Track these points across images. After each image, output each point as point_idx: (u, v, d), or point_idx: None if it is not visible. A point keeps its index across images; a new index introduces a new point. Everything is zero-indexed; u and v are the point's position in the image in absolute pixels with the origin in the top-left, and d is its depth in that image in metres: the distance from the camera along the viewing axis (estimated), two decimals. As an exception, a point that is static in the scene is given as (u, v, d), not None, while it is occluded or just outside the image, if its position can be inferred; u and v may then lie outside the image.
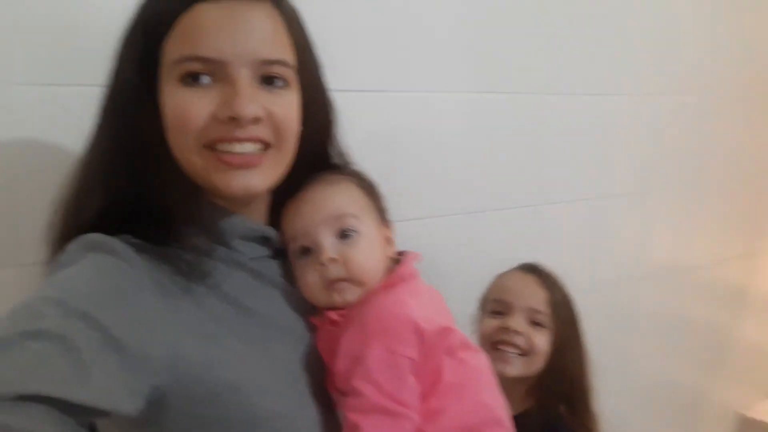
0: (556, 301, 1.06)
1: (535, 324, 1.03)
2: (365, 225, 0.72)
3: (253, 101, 0.62)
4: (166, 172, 0.65)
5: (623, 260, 1.71)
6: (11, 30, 0.81)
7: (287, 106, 0.66)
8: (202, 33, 0.61)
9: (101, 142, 0.67)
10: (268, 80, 0.64)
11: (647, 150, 1.68)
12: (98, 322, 0.54)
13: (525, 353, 1.02)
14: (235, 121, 0.62)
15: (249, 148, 0.64)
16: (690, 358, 2.01)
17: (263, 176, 0.66)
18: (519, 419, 0.92)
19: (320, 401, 0.69)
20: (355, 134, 1.10)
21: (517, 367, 1.02)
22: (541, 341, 1.03)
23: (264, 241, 0.73)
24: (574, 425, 1.04)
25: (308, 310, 0.73)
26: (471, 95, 1.30)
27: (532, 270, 1.10)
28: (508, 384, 0.96)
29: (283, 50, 0.65)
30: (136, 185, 0.64)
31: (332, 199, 0.72)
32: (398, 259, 0.77)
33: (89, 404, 0.50)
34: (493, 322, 1.05)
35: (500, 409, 0.71)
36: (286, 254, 0.74)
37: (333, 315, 0.70)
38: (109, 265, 0.60)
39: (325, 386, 0.70)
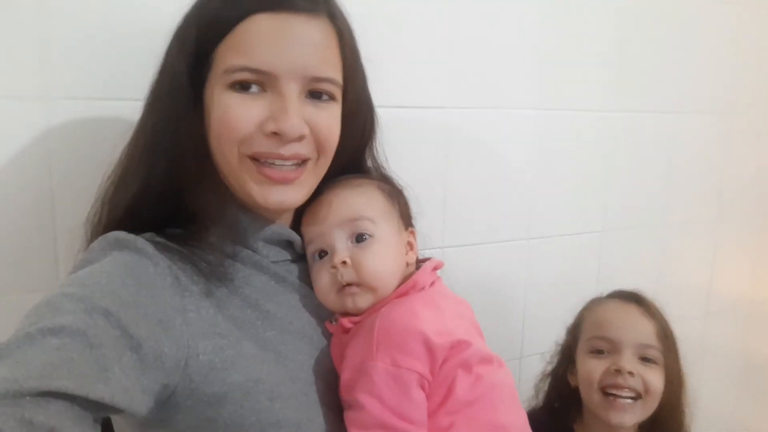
0: (665, 333, 0.96)
1: (646, 360, 0.93)
2: (381, 229, 0.71)
3: (299, 117, 0.63)
4: (201, 172, 0.66)
5: (691, 292, 1.60)
6: (50, 44, 0.81)
7: (330, 119, 0.68)
8: (256, 44, 0.62)
9: (143, 136, 0.67)
10: (314, 95, 0.66)
11: (719, 173, 1.58)
12: (118, 320, 0.54)
13: (639, 396, 0.92)
14: (279, 136, 0.63)
15: (289, 164, 0.66)
16: (763, 401, 1.85)
17: (299, 191, 0.68)
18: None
19: (332, 410, 0.67)
20: (419, 151, 1.05)
21: (635, 415, 0.92)
22: (656, 380, 0.92)
23: (288, 245, 0.73)
24: None
25: (327, 316, 0.73)
26: (536, 112, 1.25)
27: (633, 299, 0.99)
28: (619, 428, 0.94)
29: (333, 68, 0.66)
30: (171, 181, 0.65)
31: (349, 202, 0.71)
32: (421, 266, 0.74)
33: (107, 401, 0.50)
34: (600, 364, 0.94)
35: (519, 429, 0.67)
36: (305, 259, 0.74)
37: (346, 322, 0.69)
38: (131, 263, 0.60)
39: (338, 395, 0.69)
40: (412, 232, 0.77)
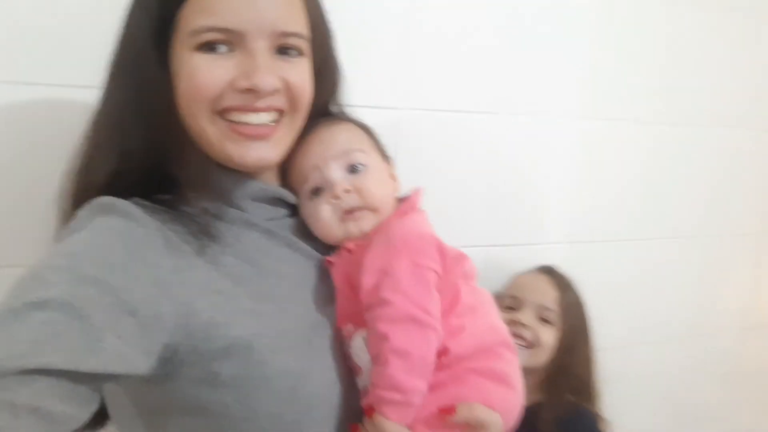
0: (566, 302, 1.13)
1: (543, 320, 1.11)
2: (372, 159, 0.75)
3: (271, 73, 0.64)
4: (175, 138, 0.65)
5: (732, 306, 1.60)
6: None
7: (302, 74, 0.68)
8: (221, 3, 0.62)
9: (111, 105, 0.66)
10: (283, 50, 0.66)
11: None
12: (109, 286, 0.53)
13: (530, 346, 1.09)
14: (253, 92, 0.63)
15: (264, 118, 0.66)
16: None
17: (277, 147, 0.68)
18: (529, 410, 0.99)
19: (334, 357, 0.69)
20: (466, 155, 1.09)
21: (521, 358, 1.05)
22: (547, 336, 1.10)
23: (276, 201, 0.74)
24: (592, 411, 1.12)
25: (320, 267, 0.74)
26: (585, 122, 1.28)
27: (547, 271, 1.17)
28: None
29: (299, 22, 0.67)
30: (146, 149, 0.64)
31: (339, 136, 0.74)
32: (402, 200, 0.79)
33: (101, 371, 0.50)
34: (505, 316, 1.07)
35: (507, 333, 0.74)
36: (298, 213, 0.76)
37: (350, 245, 0.72)
38: (118, 227, 0.59)
39: (340, 344, 0.71)
40: (391, 164, 0.81)
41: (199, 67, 0.62)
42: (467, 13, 1.12)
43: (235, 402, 0.60)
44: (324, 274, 0.74)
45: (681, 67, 1.38)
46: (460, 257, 0.73)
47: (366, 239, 0.72)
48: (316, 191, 0.73)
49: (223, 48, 0.63)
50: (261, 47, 0.63)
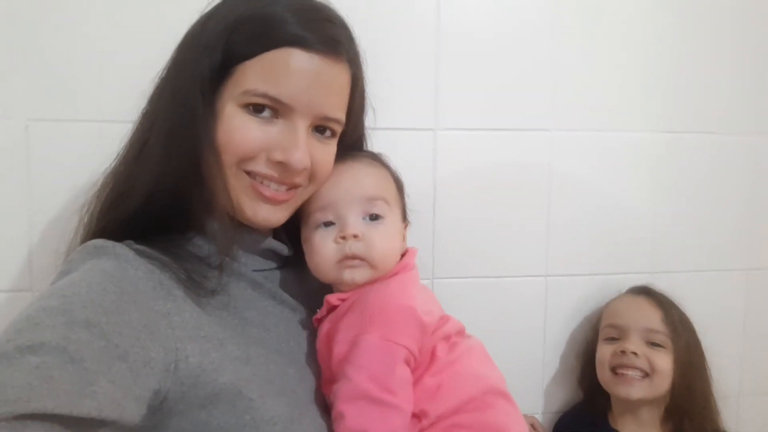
0: (672, 320, 1.05)
1: (653, 345, 1.03)
2: (393, 214, 0.75)
3: (306, 153, 0.67)
4: (202, 177, 0.66)
5: None
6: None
7: (329, 155, 0.73)
8: (283, 76, 0.65)
9: (157, 134, 0.67)
10: (319, 129, 0.71)
11: None
12: (101, 330, 0.53)
13: (647, 375, 1.01)
14: (284, 165, 0.67)
15: (282, 187, 0.70)
16: None
17: (285, 211, 0.72)
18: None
19: (320, 406, 0.69)
20: (520, 176, 1.08)
21: (640, 389, 1.01)
22: (662, 361, 1.02)
23: (267, 253, 0.76)
24: None
25: (306, 320, 0.76)
26: (654, 135, 1.16)
27: (643, 292, 1.10)
28: (639, 408, 1.04)
29: (342, 110, 0.72)
30: (179, 179, 0.65)
31: (370, 180, 0.75)
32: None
33: (95, 416, 0.49)
34: (610, 348, 1.05)
35: (498, 381, 0.71)
36: (290, 265, 0.79)
37: (333, 299, 0.73)
38: (111, 269, 0.60)
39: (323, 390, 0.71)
40: (407, 226, 0.81)
41: (241, 126, 0.66)
42: (511, 20, 1.07)
43: None
44: (309, 329, 0.76)
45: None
46: (441, 320, 0.73)
47: (351, 294, 0.72)
48: (327, 224, 0.73)
49: (267, 113, 0.66)
50: (303, 126, 0.67)
